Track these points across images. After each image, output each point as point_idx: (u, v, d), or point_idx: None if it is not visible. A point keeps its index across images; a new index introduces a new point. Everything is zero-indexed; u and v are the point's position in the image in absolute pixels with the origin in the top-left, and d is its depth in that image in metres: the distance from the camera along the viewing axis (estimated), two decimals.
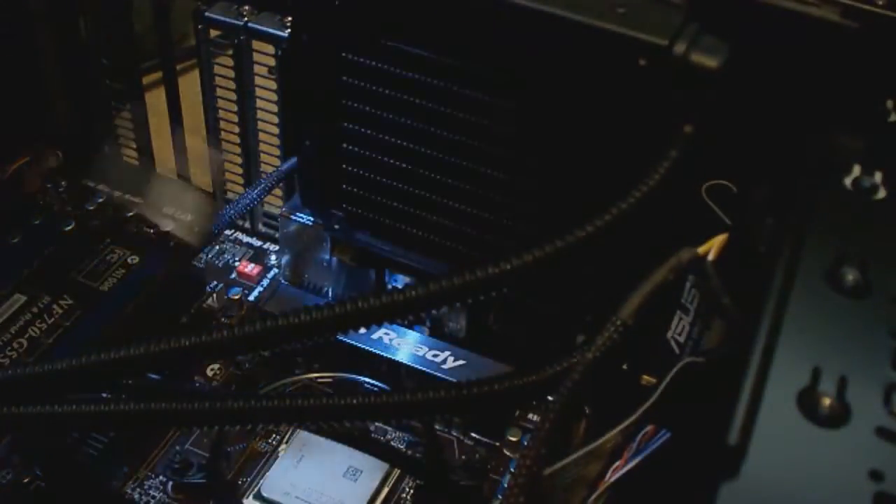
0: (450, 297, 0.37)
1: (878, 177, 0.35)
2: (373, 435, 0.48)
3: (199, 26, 0.54)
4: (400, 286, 0.40)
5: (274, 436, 0.47)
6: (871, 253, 0.32)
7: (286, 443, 0.46)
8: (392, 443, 0.48)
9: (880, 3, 0.39)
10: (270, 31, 0.52)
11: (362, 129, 0.46)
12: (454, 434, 0.49)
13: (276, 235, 0.60)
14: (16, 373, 0.41)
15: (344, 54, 0.44)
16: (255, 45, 0.53)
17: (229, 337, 0.37)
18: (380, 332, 0.51)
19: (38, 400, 0.40)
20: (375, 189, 0.48)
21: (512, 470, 0.45)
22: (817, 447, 0.27)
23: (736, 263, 0.36)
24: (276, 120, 0.56)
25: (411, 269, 0.51)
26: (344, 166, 0.48)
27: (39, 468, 0.45)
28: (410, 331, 0.52)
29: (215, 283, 0.58)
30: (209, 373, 0.52)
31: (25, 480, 0.45)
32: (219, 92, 0.56)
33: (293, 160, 0.53)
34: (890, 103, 0.39)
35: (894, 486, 0.26)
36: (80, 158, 0.64)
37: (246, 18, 0.52)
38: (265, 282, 0.59)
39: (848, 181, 0.35)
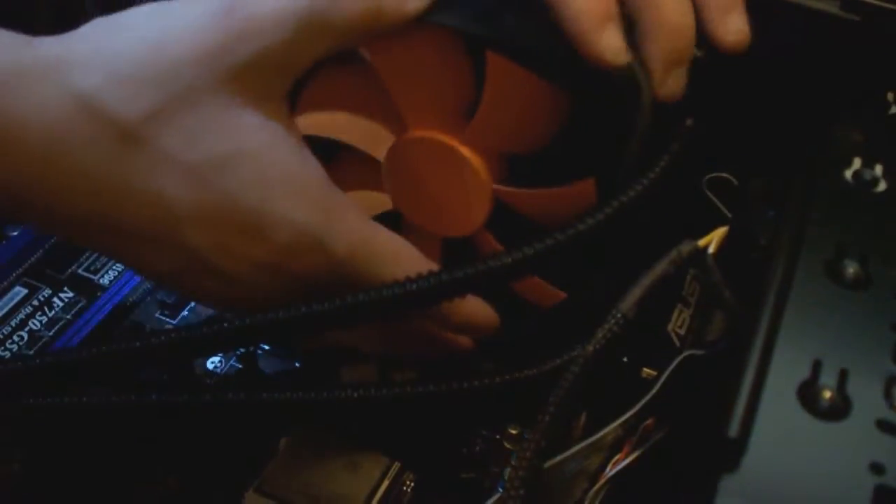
0: (453, 289, 0.38)
1: (878, 169, 0.35)
2: (374, 428, 0.47)
3: None
4: None
5: (274, 430, 0.47)
6: (871, 245, 0.32)
7: (286, 436, 0.46)
8: (393, 436, 0.48)
9: None
10: None
11: None
12: (455, 427, 0.49)
13: None
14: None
15: None
16: None
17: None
18: None
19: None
20: None
21: (513, 462, 0.45)
22: (818, 440, 0.27)
23: (736, 256, 0.36)
24: None
25: None
26: None
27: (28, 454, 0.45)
28: None
29: None
30: (210, 366, 0.52)
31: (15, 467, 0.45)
32: None
33: None
34: (890, 96, 0.39)
35: (895, 478, 0.26)
36: None
37: None
38: None
39: (848, 174, 0.35)
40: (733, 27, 0.37)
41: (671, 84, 0.37)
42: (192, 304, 0.53)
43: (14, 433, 0.45)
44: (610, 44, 0.36)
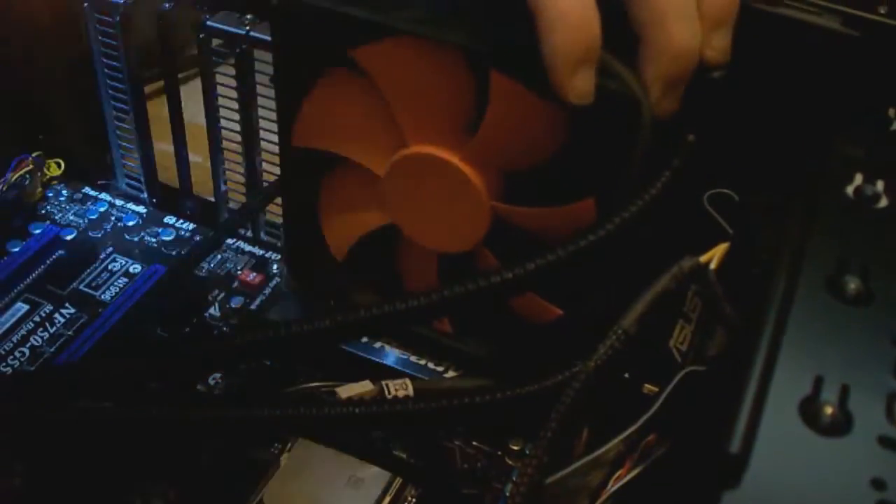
0: (453, 305, 0.38)
1: (879, 185, 0.35)
2: (375, 444, 0.47)
3: (201, 35, 0.54)
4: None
5: (276, 444, 0.47)
6: (872, 261, 0.32)
7: (288, 451, 0.46)
8: (394, 452, 0.48)
9: (882, 11, 0.39)
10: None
11: None
12: (456, 442, 0.49)
13: (279, 244, 0.60)
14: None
15: None
16: (257, 53, 0.53)
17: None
18: None
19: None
20: None
21: (514, 478, 0.45)
22: (819, 456, 0.27)
23: (738, 272, 0.36)
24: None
25: None
26: None
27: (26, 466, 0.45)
28: None
29: (217, 291, 0.58)
30: (211, 381, 0.52)
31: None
32: (220, 101, 0.56)
33: None
34: (892, 112, 0.39)
35: None
36: (81, 167, 0.64)
37: (248, 27, 0.53)
38: (267, 291, 0.58)
39: (850, 190, 0.35)
40: (715, 44, 0.37)
41: (667, 104, 0.37)
42: (193, 320, 0.53)
43: (14, 447, 0.45)
44: (577, 87, 0.36)
